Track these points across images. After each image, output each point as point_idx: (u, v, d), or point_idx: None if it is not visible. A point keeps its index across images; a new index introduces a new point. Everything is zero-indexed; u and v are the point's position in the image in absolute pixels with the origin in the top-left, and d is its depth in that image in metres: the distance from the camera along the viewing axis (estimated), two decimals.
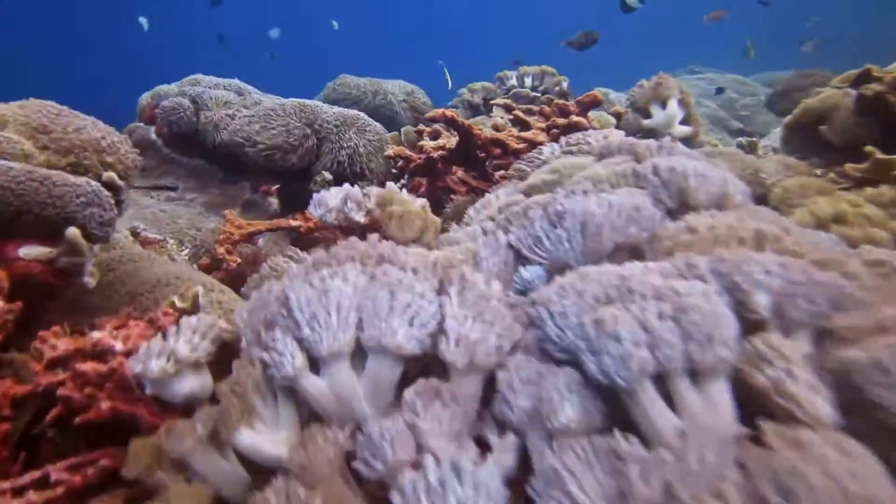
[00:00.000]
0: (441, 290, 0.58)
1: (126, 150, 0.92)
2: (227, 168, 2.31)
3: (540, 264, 0.67)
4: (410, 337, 0.53)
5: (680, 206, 0.73)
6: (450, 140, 2.00)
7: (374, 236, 0.63)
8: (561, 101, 1.95)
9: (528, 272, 0.67)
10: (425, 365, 0.57)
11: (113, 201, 0.82)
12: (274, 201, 1.93)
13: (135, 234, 1.53)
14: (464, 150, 1.72)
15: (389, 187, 0.80)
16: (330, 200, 0.77)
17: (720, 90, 4.84)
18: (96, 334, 0.66)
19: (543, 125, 2.08)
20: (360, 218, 0.75)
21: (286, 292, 0.57)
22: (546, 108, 1.99)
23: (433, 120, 1.66)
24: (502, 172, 1.86)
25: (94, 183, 0.80)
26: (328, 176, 1.89)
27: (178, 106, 2.22)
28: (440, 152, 1.73)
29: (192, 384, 0.64)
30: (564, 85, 3.76)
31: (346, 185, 0.79)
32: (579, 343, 0.47)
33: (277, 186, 1.63)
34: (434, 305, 0.56)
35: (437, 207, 1.93)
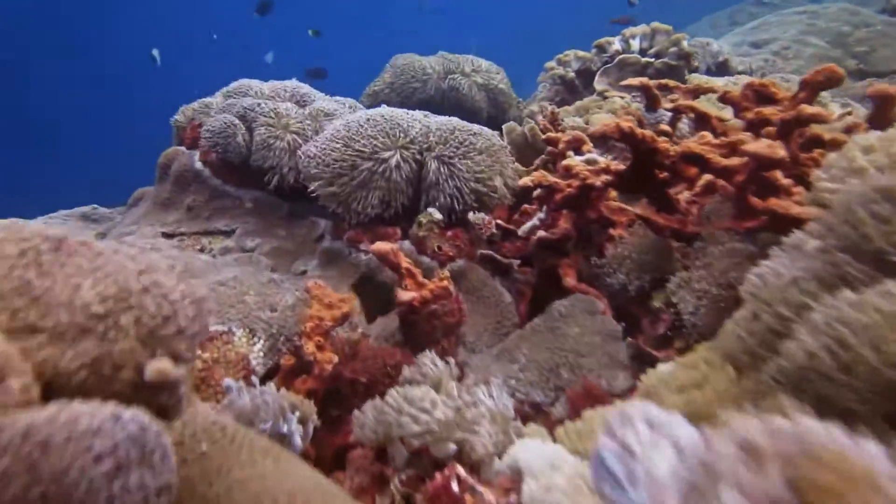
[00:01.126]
0: None
1: (186, 300, 0.52)
2: (293, 197, 1.95)
3: None
4: None
5: None
6: (603, 157, 1.53)
7: None
8: (758, 81, 1.42)
9: None
10: None
11: (168, 440, 0.43)
12: (366, 258, 1.53)
13: None
14: (642, 172, 1.25)
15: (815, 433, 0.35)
16: (655, 466, 0.34)
17: None
18: None
19: (726, 120, 1.57)
20: None
21: None
22: (732, 93, 1.47)
23: (604, 137, 1.19)
24: (685, 194, 1.38)
25: (126, 419, 0.41)
26: (436, 215, 1.47)
27: (228, 126, 1.87)
28: (604, 177, 1.27)
29: None
30: (685, 45, 3.15)
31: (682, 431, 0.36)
32: None
33: (389, 247, 1.22)
34: None
35: (587, 247, 1.48)
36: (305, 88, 2.14)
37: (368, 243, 1.55)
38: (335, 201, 1.52)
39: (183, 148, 2.06)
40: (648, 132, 1.18)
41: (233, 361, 1.21)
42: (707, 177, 1.34)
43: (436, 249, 1.47)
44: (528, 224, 1.47)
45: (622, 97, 2.54)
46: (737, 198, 1.18)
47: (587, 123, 2.43)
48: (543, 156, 2.15)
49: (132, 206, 2.21)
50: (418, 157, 1.54)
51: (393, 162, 1.50)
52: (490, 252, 1.60)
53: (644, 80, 2.06)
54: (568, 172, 1.34)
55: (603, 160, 1.35)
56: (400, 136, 1.53)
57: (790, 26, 5.39)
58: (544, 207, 1.46)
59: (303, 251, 1.79)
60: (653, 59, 3.13)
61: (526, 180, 1.34)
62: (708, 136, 1.25)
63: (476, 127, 1.60)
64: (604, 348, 1.14)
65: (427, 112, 1.73)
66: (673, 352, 1.13)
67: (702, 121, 1.45)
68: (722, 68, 4.12)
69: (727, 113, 1.63)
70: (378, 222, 1.57)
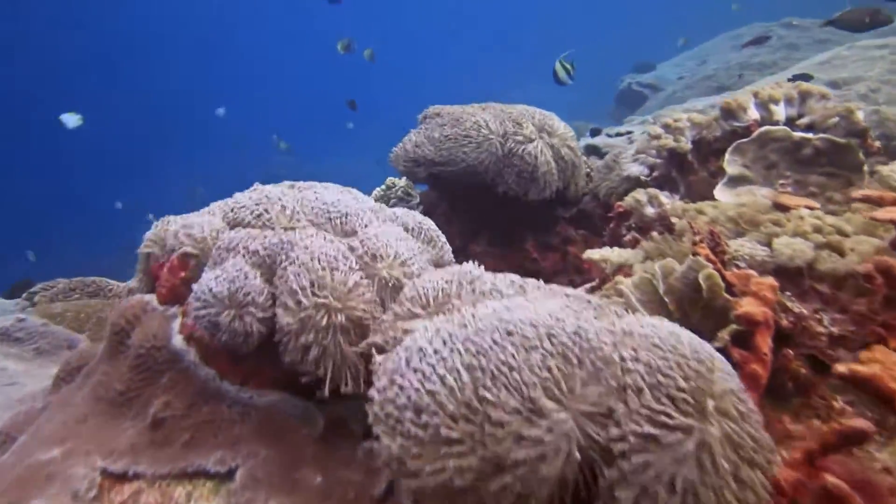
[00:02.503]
0: None
1: None
2: (330, 397, 1.25)
3: None
4: None
5: None
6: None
7: None
8: None
9: None
10: None
11: None
12: None
13: None
14: None
15: None
16: None
17: None
18: None
19: None
20: None
21: None
22: None
23: None
24: None
25: None
26: None
27: (238, 290, 1.17)
28: None
29: None
30: (858, 116, 2.47)
31: None
32: None
33: None
34: None
35: None
36: (347, 205, 1.45)
37: None
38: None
39: (153, 300, 1.36)
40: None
41: None
42: None
43: None
44: None
45: (811, 208, 1.86)
46: None
47: (771, 251, 1.72)
48: (734, 325, 1.45)
49: (63, 380, 1.49)
50: (603, 415, 0.83)
51: (563, 428, 0.80)
52: None
53: None
54: None
55: None
56: (571, 374, 0.83)
57: (872, 63, 4.74)
58: None
59: None
60: (809, 135, 2.47)
61: None
62: None
63: (703, 348, 0.90)
64: None
65: (589, 299, 1.04)
66: None
67: None
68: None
69: None
70: None
